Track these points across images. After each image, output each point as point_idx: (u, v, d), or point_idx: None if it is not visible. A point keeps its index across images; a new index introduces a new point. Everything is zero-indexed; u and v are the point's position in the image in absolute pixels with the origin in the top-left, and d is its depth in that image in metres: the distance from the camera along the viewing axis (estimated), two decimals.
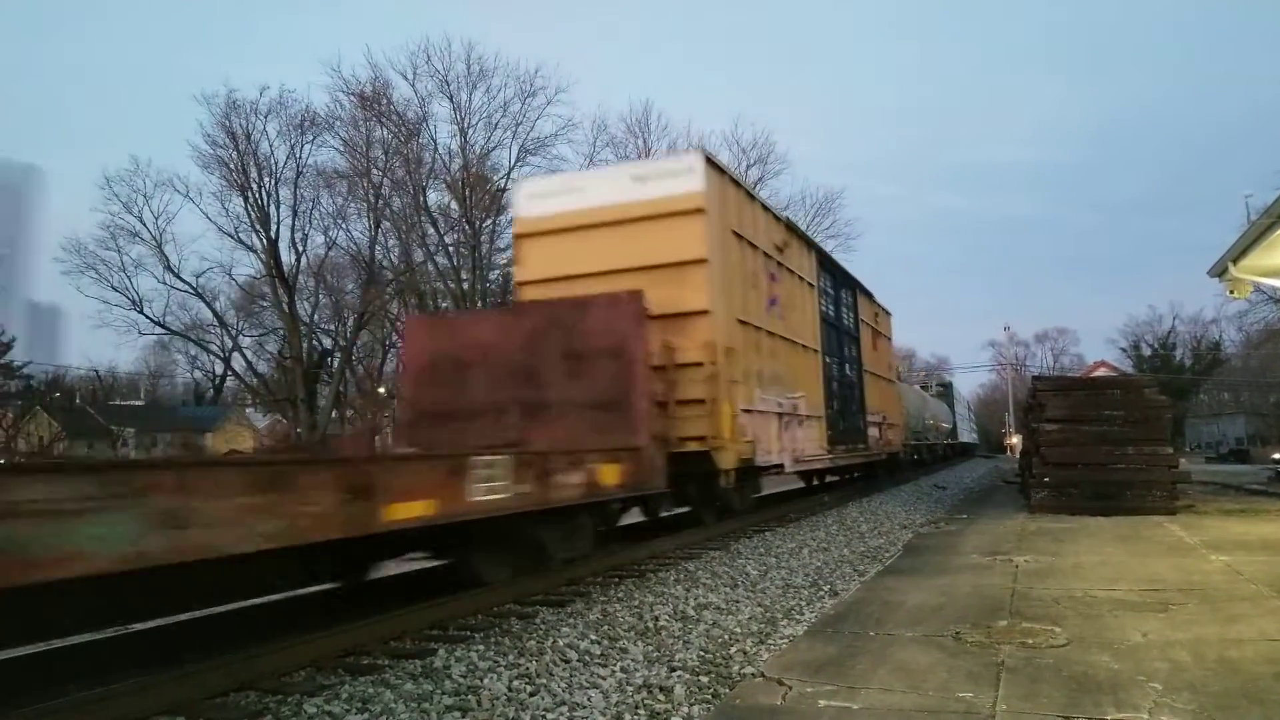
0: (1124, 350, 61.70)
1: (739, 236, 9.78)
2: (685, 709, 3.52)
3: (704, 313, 8.60)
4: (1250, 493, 14.24)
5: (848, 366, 15.03)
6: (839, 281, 15.14)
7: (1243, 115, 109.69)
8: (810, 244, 13.34)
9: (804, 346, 11.93)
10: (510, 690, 3.82)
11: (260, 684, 3.92)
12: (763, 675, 3.74)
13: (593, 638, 4.73)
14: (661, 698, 3.67)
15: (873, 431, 16.09)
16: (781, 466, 10.47)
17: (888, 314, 20.04)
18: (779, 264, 11.13)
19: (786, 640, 4.60)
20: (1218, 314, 55.17)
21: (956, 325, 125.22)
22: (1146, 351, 60.57)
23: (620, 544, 8.02)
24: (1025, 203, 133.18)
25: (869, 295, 17.58)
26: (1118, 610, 4.79)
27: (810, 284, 12.67)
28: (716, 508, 9.57)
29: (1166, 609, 4.79)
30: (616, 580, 6.67)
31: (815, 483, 16.54)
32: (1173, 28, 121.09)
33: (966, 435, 46.35)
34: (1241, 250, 11.09)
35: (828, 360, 13.26)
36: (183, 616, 4.92)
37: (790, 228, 12.09)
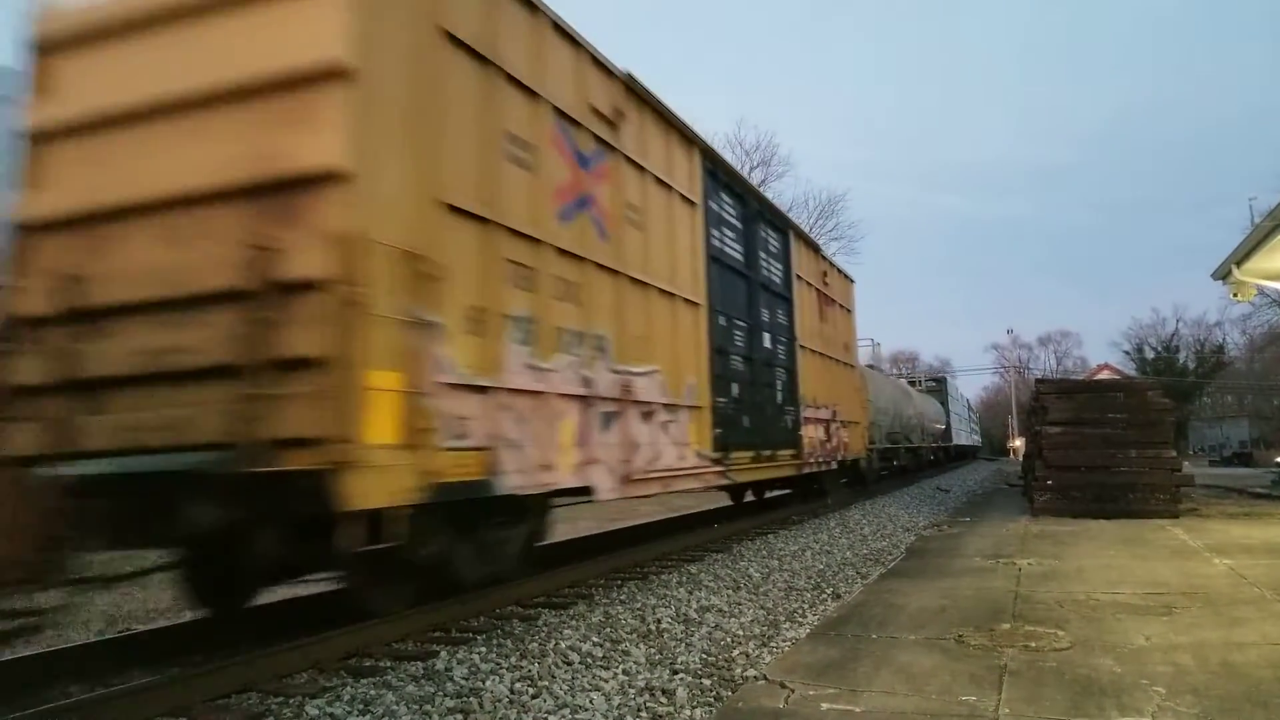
0: (1127, 353, 61.58)
1: (467, 49, 5.21)
2: (687, 711, 3.52)
3: (335, 178, 4.18)
4: (1254, 496, 14.21)
5: (767, 337, 10.56)
6: (754, 213, 10.49)
7: (1247, 116, 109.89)
8: (691, 138, 8.65)
9: (664, 293, 7.66)
10: (512, 692, 3.82)
11: (261, 686, 3.93)
12: (765, 678, 3.74)
13: (595, 640, 4.73)
14: (664, 700, 3.67)
15: (812, 432, 12.13)
16: (589, 490, 6.18)
17: (848, 279, 15.90)
18: (602, 144, 6.73)
19: (789, 643, 4.59)
20: (1221, 317, 55.08)
21: (959, 328, 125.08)
22: (1150, 354, 60.46)
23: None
24: (1027, 204, 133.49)
25: (814, 246, 13.72)
26: (1120, 613, 4.78)
27: (689, 200, 8.40)
28: (387, 590, 5.06)
29: (1169, 612, 4.78)
30: (619, 582, 6.67)
31: (750, 498, 13.20)
32: (1173, 26, 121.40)
33: (965, 437, 41.77)
34: (1245, 253, 11.09)
35: (723, 323, 9.05)
36: (184, 618, 4.92)
37: (634, 90, 7.32)
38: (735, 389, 9.31)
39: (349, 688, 3.91)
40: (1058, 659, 3.84)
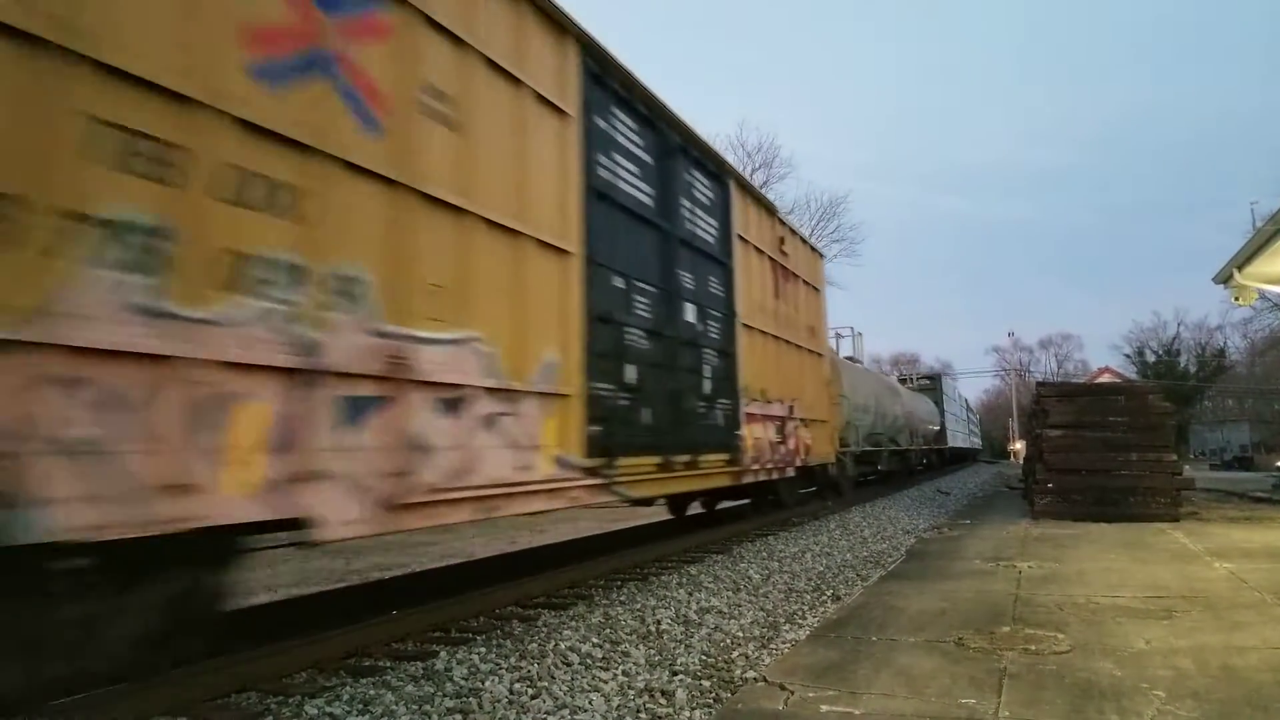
0: (1128, 356, 61.61)
1: None
2: (687, 713, 3.52)
3: None
4: (1255, 500, 14.19)
5: (690, 309, 8.19)
6: (674, 148, 8.06)
7: (1250, 119, 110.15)
8: (561, 22, 6.26)
9: (501, 228, 5.36)
10: (511, 693, 3.82)
11: (261, 685, 3.93)
12: (765, 680, 3.73)
13: (594, 640, 4.73)
14: (663, 701, 3.67)
15: (759, 431, 9.80)
16: (300, 524, 3.82)
17: (815, 252, 13.53)
18: None
19: (789, 645, 4.59)
20: (1222, 320, 55.18)
21: (960, 330, 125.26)
22: (1151, 358, 60.47)
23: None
24: (1029, 207, 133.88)
25: (767, 206, 11.07)
26: (1121, 617, 4.77)
27: (556, 108, 6.08)
28: None
29: (1170, 616, 4.77)
30: (619, 583, 6.68)
31: (697, 511, 11.66)
32: (1174, 28, 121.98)
33: (962, 440, 38.21)
34: (1246, 257, 11.08)
35: (616, 283, 6.77)
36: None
37: None
38: (632, 373, 6.88)
39: (348, 687, 3.92)
40: (1058, 662, 3.84)
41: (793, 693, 3.49)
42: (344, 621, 4.75)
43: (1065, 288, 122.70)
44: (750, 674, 4.00)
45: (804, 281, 12.45)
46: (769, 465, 10.13)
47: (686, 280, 8.22)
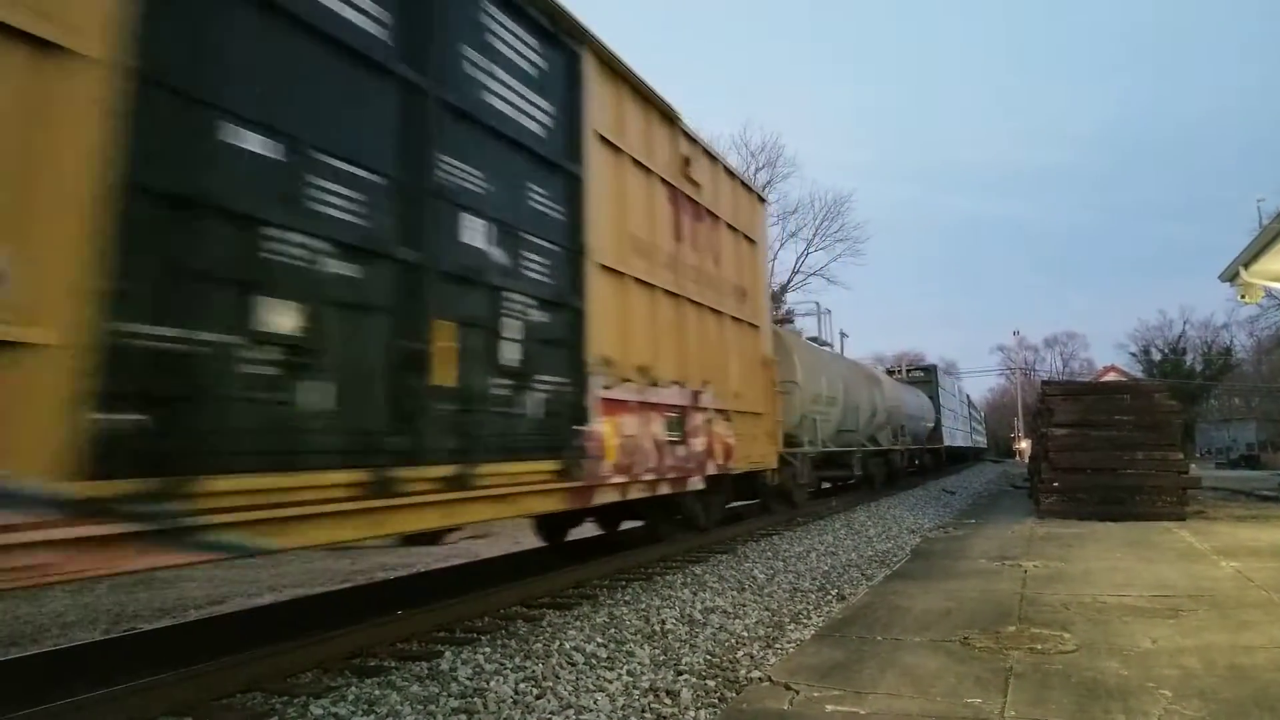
0: (1134, 355, 61.53)
1: None
2: (692, 713, 3.52)
3: None
4: (1261, 499, 14.14)
5: (480, 229, 5.05)
6: None
7: (1250, 117, 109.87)
8: None
9: None
10: (516, 693, 3.82)
11: (267, 685, 3.94)
12: (770, 679, 3.73)
13: (599, 640, 4.73)
14: (668, 701, 3.67)
15: (635, 427, 6.71)
16: None
17: (754, 195, 10.44)
18: None
19: (794, 644, 4.59)
20: (1229, 319, 55.01)
21: (965, 329, 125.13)
22: (1156, 356, 60.31)
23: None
24: (1032, 206, 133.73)
25: (661, 107, 7.72)
26: (1127, 616, 4.75)
27: None
28: None
29: (1176, 615, 4.75)
30: (623, 584, 6.68)
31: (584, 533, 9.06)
32: (1175, 28, 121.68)
33: (962, 438, 34.11)
34: (1253, 255, 11.05)
35: (241, 141, 3.53)
36: (190, 617, 4.94)
37: None
38: (289, 316, 3.73)
39: (354, 687, 3.92)
40: (1064, 662, 3.83)
41: (798, 692, 3.48)
42: (349, 621, 4.76)
43: (1069, 287, 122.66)
44: (755, 674, 4.00)
45: (729, 226, 9.25)
46: (651, 475, 6.96)
47: (469, 179, 5.05)
